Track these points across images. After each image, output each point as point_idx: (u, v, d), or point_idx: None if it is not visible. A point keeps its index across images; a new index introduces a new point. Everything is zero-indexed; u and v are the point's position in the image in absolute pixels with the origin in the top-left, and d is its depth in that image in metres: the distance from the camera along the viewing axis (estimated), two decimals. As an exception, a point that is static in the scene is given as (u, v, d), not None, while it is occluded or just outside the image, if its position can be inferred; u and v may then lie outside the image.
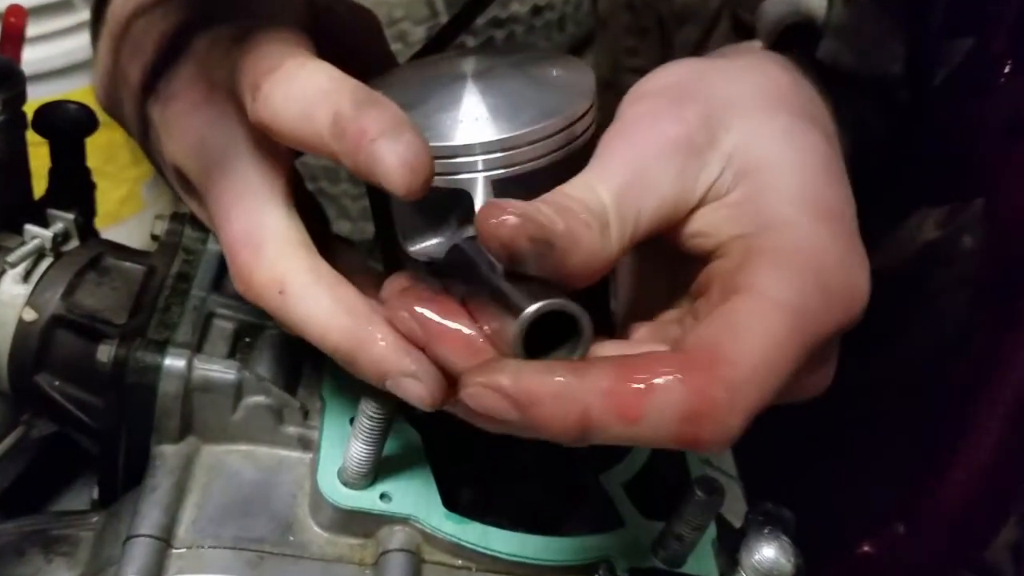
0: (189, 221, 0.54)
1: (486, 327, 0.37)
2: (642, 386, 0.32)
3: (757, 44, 0.48)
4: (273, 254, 0.40)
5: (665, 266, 0.43)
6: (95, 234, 0.56)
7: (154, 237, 0.54)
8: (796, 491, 0.44)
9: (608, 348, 0.38)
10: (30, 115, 0.52)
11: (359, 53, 0.46)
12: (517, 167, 0.40)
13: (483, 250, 0.37)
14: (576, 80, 0.43)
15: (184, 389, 0.46)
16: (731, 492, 0.57)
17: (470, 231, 0.41)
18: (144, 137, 0.48)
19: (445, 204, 0.41)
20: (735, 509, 0.47)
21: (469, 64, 0.43)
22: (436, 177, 0.38)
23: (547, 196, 0.37)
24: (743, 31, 0.62)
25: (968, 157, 0.49)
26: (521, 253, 0.35)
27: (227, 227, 0.41)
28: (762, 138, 0.39)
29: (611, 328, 0.44)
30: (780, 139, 0.39)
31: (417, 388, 0.39)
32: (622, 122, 0.41)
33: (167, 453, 0.47)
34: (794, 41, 0.55)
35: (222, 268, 0.53)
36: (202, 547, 0.44)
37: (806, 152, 0.39)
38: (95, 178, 0.58)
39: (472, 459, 0.52)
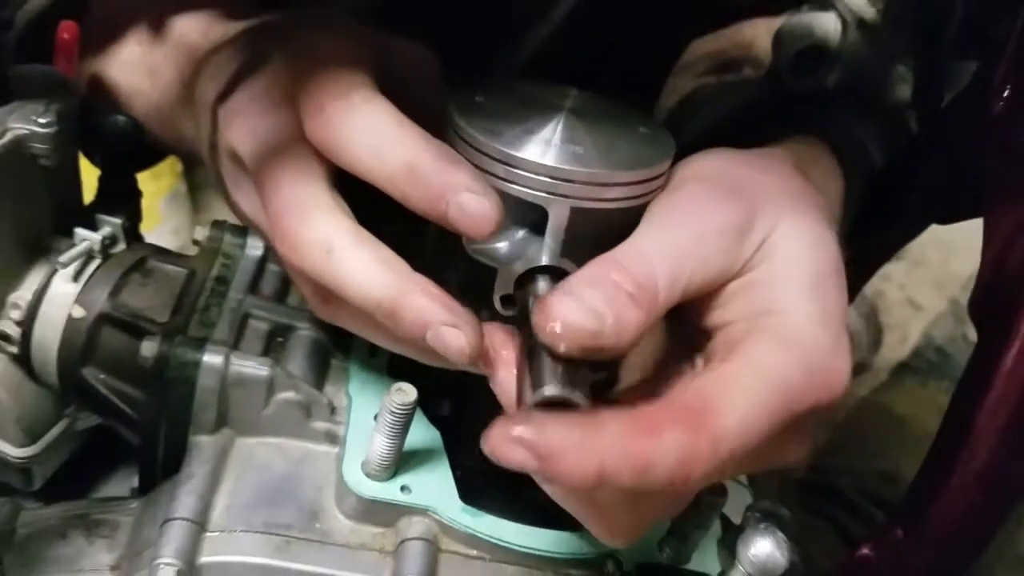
0: (228, 228, 0.58)
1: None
2: (649, 438, 0.35)
3: (775, 150, 0.51)
4: (319, 217, 0.42)
5: (668, 328, 0.46)
6: (140, 238, 0.59)
7: (195, 242, 0.58)
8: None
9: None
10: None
11: (415, 90, 0.49)
12: (599, 203, 0.43)
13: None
14: (660, 139, 0.46)
15: (221, 384, 0.49)
16: (738, 494, 0.59)
17: (534, 245, 0.44)
18: (209, 143, 0.51)
19: (518, 211, 0.43)
20: (741, 509, 0.49)
21: (563, 98, 0.46)
22: (520, 188, 0.42)
23: (603, 266, 0.39)
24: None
25: (971, 179, 0.50)
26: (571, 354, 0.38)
27: (275, 196, 0.43)
28: (787, 231, 0.42)
29: (614, 380, 0.47)
30: (801, 237, 0.43)
31: (457, 338, 0.41)
32: (678, 197, 0.43)
33: (203, 444, 0.50)
34: (808, 66, 0.58)
35: (258, 272, 0.56)
36: (234, 531, 0.46)
37: (820, 253, 0.43)
38: None
39: (486, 466, 0.54)
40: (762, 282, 0.42)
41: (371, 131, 0.42)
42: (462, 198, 0.40)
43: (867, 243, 0.45)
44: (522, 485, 0.55)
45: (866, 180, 0.57)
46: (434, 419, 0.52)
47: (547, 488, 0.42)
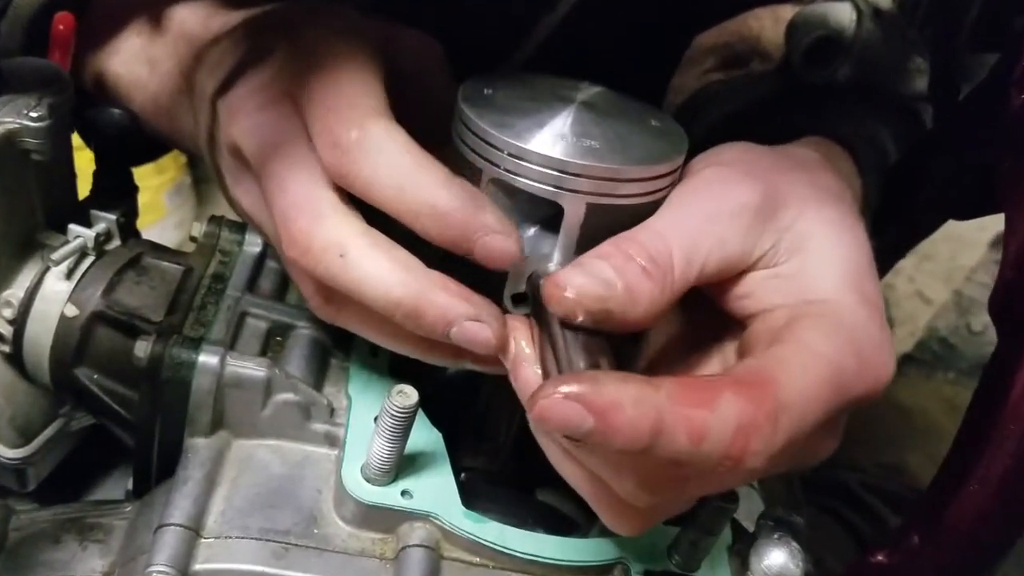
0: (226, 224, 0.56)
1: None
2: (706, 402, 0.34)
3: (799, 147, 0.50)
4: (331, 220, 0.41)
5: (691, 318, 0.45)
6: (136, 234, 0.58)
7: (193, 239, 0.56)
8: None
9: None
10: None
11: (421, 82, 0.48)
12: (614, 199, 0.42)
13: None
14: (673, 133, 0.45)
15: (217, 385, 0.47)
16: (751, 500, 0.58)
17: (547, 241, 0.43)
18: (207, 135, 0.50)
19: (529, 207, 0.43)
20: (754, 515, 0.47)
21: (574, 91, 0.45)
22: (536, 184, 0.41)
23: (615, 243, 0.40)
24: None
25: (989, 174, 0.49)
26: (582, 320, 0.38)
27: (282, 196, 0.42)
28: (816, 221, 0.42)
29: (636, 361, 0.46)
30: (832, 226, 0.42)
31: (482, 330, 0.41)
32: (695, 181, 0.43)
33: (199, 446, 0.49)
34: (821, 58, 0.56)
35: (256, 269, 0.55)
36: (230, 537, 0.45)
37: (853, 243, 0.42)
38: None
39: (493, 467, 0.53)
40: (797, 274, 0.41)
41: (394, 169, 0.41)
42: (487, 239, 0.41)
43: (882, 239, 0.44)
44: (527, 488, 0.55)
45: (881, 176, 0.56)
46: (437, 420, 0.50)
47: (564, 468, 0.41)
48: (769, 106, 0.58)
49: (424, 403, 0.45)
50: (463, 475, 0.53)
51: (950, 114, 0.55)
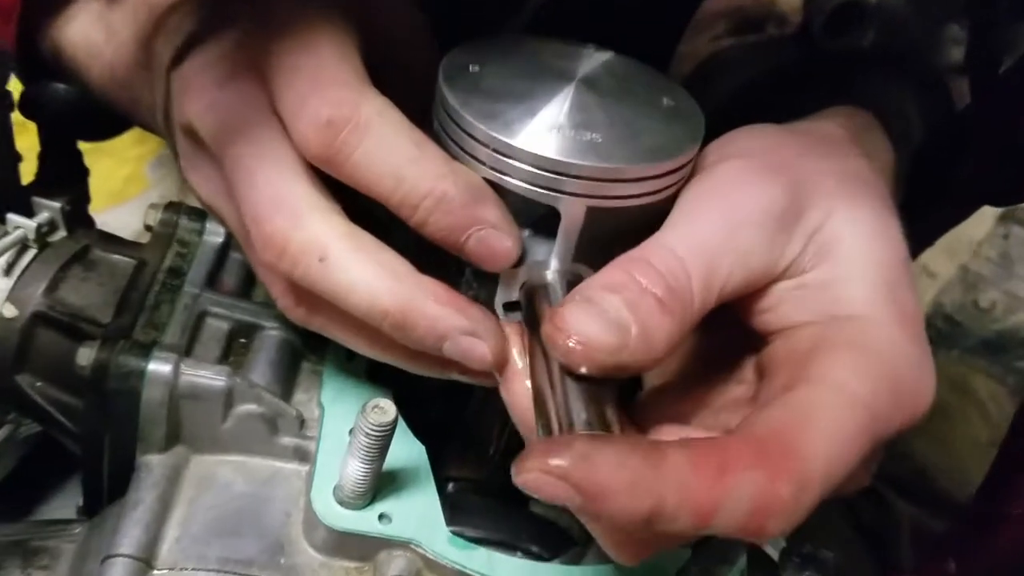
0: (185, 211, 0.51)
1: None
2: (718, 479, 0.30)
3: (825, 123, 0.45)
4: (311, 219, 0.37)
5: (703, 328, 0.40)
6: (89, 222, 0.53)
7: (147, 227, 0.51)
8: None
9: (666, 431, 0.37)
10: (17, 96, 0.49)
11: (400, 54, 0.44)
12: (619, 200, 0.37)
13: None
14: (687, 115, 0.40)
15: (170, 396, 0.43)
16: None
17: (543, 246, 0.38)
18: (163, 112, 0.45)
19: (522, 207, 0.38)
20: (775, 541, 0.43)
21: (574, 62, 0.40)
22: (528, 186, 0.37)
23: (625, 267, 0.34)
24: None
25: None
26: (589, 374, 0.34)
27: (251, 190, 0.38)
28: (846, 222, 0.37)
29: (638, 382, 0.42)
30: (864, 227, 0.37)
31: (478, 347, 0.37)
32: (710, 182, 0.38)
33: (153, 463, 0.44)
34: (843, 24, 0.51)
35: (218, 262, 0.50)
36: (185, 569, 0.41)
37: (888, 246, 0.38)
38: (99, 156, 0.54)
39: (482, 477, 0.50)
40: (826, 284, 0.36)
41: (390, 153, 0.37)
42: (485, 234, 0.37)
43: (909, 227, 0.39)
44: (519, 499, 0.50)
45: (909, 156, 0.51)
46: (420, 425, 0.46)
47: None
48: (787, 76, 0.53)
49: (407, 408, 0.41)
50: (450, 485, 0.50)
51: (989, 89, 0.50)
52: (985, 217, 1.59)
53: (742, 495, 0.30)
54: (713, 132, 0.40)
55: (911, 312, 0.36)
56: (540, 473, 0.29)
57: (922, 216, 0.51)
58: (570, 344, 0.33)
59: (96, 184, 0.59)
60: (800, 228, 0.37)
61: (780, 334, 0.37)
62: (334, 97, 0.37)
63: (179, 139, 0.43)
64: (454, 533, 0.43)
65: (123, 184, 1.39)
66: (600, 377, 0.34)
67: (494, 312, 0.39)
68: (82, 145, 0.60)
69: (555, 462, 0.29)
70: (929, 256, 1.64)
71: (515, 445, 0.44)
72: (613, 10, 0.57)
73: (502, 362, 0.37)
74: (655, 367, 0.35)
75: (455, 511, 0.44)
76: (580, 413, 0.33)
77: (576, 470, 0.29)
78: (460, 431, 0.50)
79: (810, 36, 0.53)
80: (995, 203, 0.52)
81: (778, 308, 0.37)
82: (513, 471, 0.31)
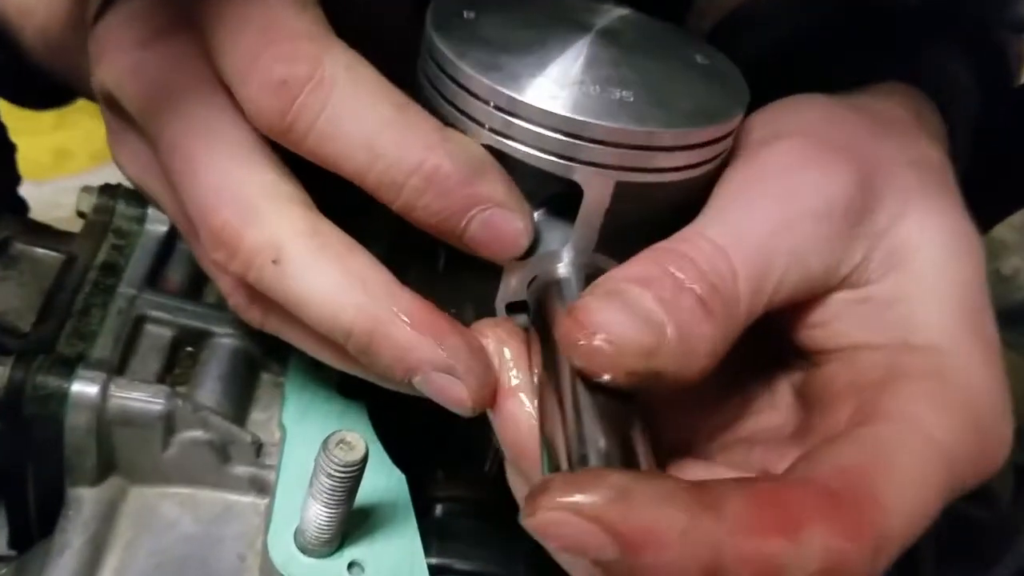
0: (123, 195, 0.44)
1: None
2: (785, 532, 0.24)
3: (887, 101, 0.39)
4: (266, 212, 0.31)
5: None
6: (17, 208, 0.46)
7: (80, 214, 0.44)
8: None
9: (689, 470, 0.31)
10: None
11: (370, 25, 0.36)
12: (654, 175, 0.30)
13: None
14: (727, 75, 0.33)
15: (98, 421, 0.37)
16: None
17: (556, 232, 0.32)
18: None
19: (532, 183, 0.31)
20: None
21: (591, 14, 0.33)
22: (540, 155, 0.30)
23: (656, 258, 0.28)
24: None
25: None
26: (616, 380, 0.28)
27: (196, 179, 0.32)
28: (922, 227, 0.32)
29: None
30: (942, 235, 0.32)
31: (454, 389, 0.30)
32: (759, 161, 0.32)
33: (83, 498, 0.38)
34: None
35: (162, 257, 0.43)
36: (120, 628, 0.34)
37: (968, 261, 0.32)
38: (81, 115, 0.47)
39: (475, 497, 0.45)
40: (895, 300, 0.31)
41: (361, 118, 0.30)
42: (489, 214, 0.31)
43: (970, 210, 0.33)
44: (515, 521, 0.44)
45: (970, 131, 0.44)
46: (403, 443, 0.40)
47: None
48: (827, 34, 0.45)
49: (384, 422, 0.36)
50: (438, 508, 0.45)
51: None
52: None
53: (812, 554, 0.24)
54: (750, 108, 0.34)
55: (993, 343, 0.31)
56: (563, 512, 0.23)
57: (981, 199, 0.44)
58: (595, 343, 0.26)
59: (78, 143, 0.53)
60: (867, 228, 0.31)
61: (836, 355, 0.31)
62: (290, 51, 0.30)
63: (101, 109, 0.36)
64: (440, 568, 0.38)
65: (106, 143, 1.33)
66: (625, 391, 0.27)
67: (494, 313, 0.33)
68: (20, 111, 0.54)
69: (584, 499, 0.23)
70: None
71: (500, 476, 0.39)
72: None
73: (485, 404, 0.31)
74: (692, 383, 0.28)
75: (443, 539, 0.40)
76: (598, 440, 0.27)
77: (613, 510, 0.23)
78: (448, 446, 0.45)
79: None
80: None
81: (835, 323, 0.31)
82: (524, 510, 0.24)
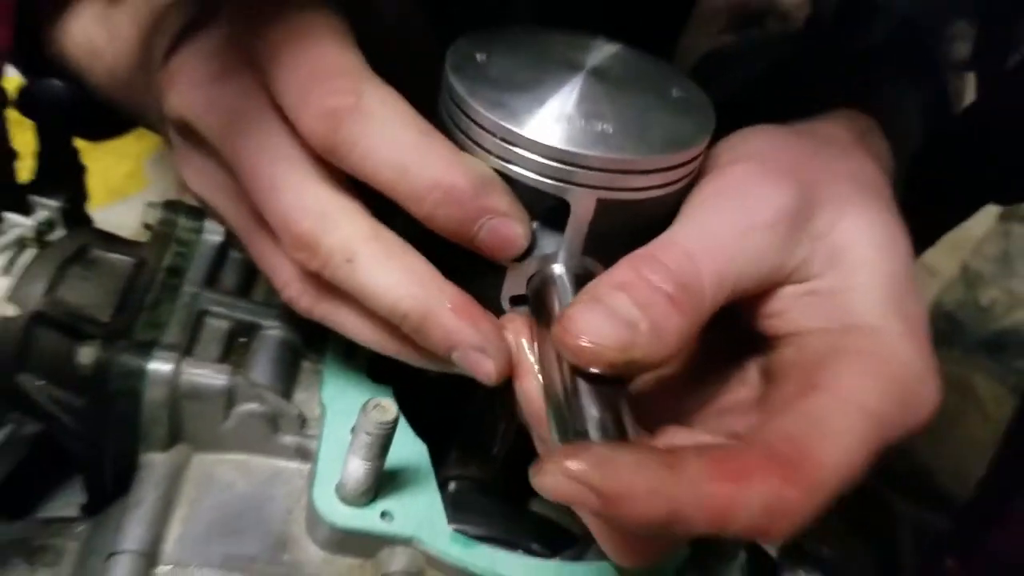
0: (184, 210, 0.51)
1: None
2: (734, 485, 0.31)
3: (832, 126, 0.46)
4: (339, 221, 0.37)
5: (707, 328, 0.40)
6: (86, 220, 0.53)
7: (146, 226, 0.51)
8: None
9: (671, 434, 0.37)
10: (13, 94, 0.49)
11: (395, 50, 0.43)
12: (631, 192, 0.37)
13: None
14: (697, 107, 0.40)
15: (171, 395, 0.42)
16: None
17: (551, 239, 0.38)
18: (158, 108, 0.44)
19: (530, 199, 0.38)
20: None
21: (583, 53, 0.40)
22: (537, 177, 0.36)
23: (634, 265, 0.35)
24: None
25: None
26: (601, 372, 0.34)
27: (277, 195, 0.38)
28: (856, 229, 0.38)
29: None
30: (873, 235, 0.38)
31: (484, 363, 0.37)
32: (722, 182, 0.38)
33: (155, 462, 0.44)
34: (853, 18, 0.50)
35: (217, 262, 0.50)
36: (189, 565, 0.41)
37: (897, 256, 0.38)
38: (99, 153, 0.54)
39: (484, 476, 0.49)
40: (835, 292, 0.37)
41: (395, 142, 0.36)
42: (496, 222, 0.37)
43: (910, 227, 0.39)
44: (521, 498, 0.50)
45: (908, 158, 0.51)
46: (421, 424, 0.45)
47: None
48: (790, 71, 0.53)
49: (407, 407, 0.41)
50: (452, 484, 0.49)
51: (996, 85, 0.49)
52: (986, 215, 1.59)
53: (755, 500, 0.31)
54: (716, 135, 0.40)
55: (918, 323, 0.37)
56: (561, 476, 0.30)
57: (922, 216, 0.51)
58: (581, 344, 0.33)
59: (95, 181, 0.59)
60: (810, 230, 0.37)
61: (788, 339, 0.37)
62: (336, 86, 0.36)
63: (171, 133, 0.43)
64: (456, 531, 0.42)
65: (122, 181, 1.39)
66: (612, 376, 0.34)
67: (500, 306, 0.39)
68: (81, 142, 0.60)
69: (575, 466, 0.30)
70: (931, 254, 1.63)
71: (517, 445, 0.45)
72: (615, 4, 0.57)
73: (504, 380, 0.37)
74: (666, 364, 0.35)
75: (456, 509, 0.44)
76: (592, 413, 0.34)
77: (596, 474, 0.29)
78: (462, 430, 0.50)
79: (815, 31, 0.53)
80: (1000, 201, 0.52)
81: (787, 313, 0.37)
82: (531, 473, 0.31)
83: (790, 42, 0.54)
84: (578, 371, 0.34)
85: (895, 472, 1.15)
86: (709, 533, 0.31)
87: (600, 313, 0.33)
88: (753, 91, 0.52)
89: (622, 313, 0.33)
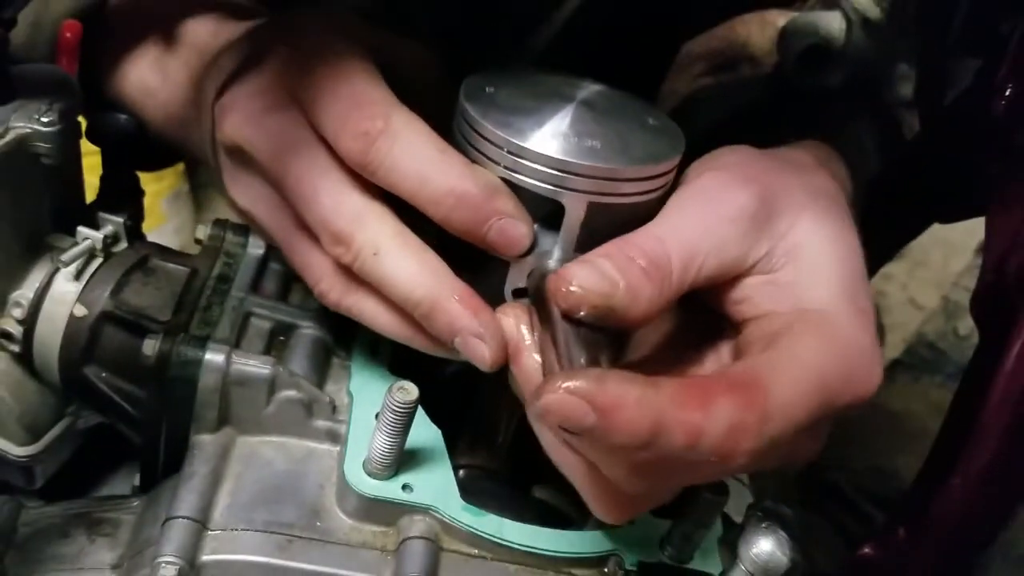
0: (230, 227, 0.58)
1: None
2: (703, 401, 0.36)
3: (797, 152, 0.52)
4: (369, 221, 0.44)
5: (688, 317, 0.47)
6: (142, 237, 0.59)
7: (197, 241, 0.58)
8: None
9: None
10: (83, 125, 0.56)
11: (412, 90, 0.49)
12: (615, 197, 0.43)
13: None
14: (670, 131, 0.47)
15: (222, 382, 0.49)
16: (742, 495, 0.59)
17: (548, 238, 0.45)
18: (211, 139, 0.51)
19: (531, 203, 0.44)
20: (742, 508, 0.49)
21: (575, 88, 0.47)
22: (537, 183, 0.43)
23: (616, 244, 0.41)
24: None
25: (973, 178, 0.50)
26: (585, 315, 0.40)
27: (319, 200, 0.45)
28: (811, 230, 0.44)
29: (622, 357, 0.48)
30: (826, 234, 0.44)
31: (481, 349, 0.43)
32: (693, 187, 0.45)
33: (205, 442, 0.50)
34: (812, 65, 0.57)
35: (260, 271, 0.56)
36: (235, 529, 0.46)
37: (847, 251, 0.44)
38: None
39: (490, 464, 0.55)
40: (793, 283, 0.43)
41: (417, 157, 0.43)
42: (503, 223, 0.43)
43: (868, 244, 0.45)
44: (524, 485, 0.56)
45: (866, 183, 0.58)
46: (436, 418, 0.51)
47: (557, 455, 0.43)
48: (760, 111, 0.60)
49: (423, 401, 0.46)
50: (461, 472, 0.54)
51: (936, 119, 0.56)
52: (967, 250, 1.66)
53: (720, 419, 0.36)
54: (694, 160, 0.47)
55: (865, 309, 0.43)
56: (563, 393, 0.35)
57: (879, 233, 0.57)
58: (571, 289, 0.39)
59: None
60: (770, 231, 0.43)
61: (753, 321, 0.43)
62: (369, 112, 0.43)
63: (222, 158, 0.50)
64: (467, 503, 0.48)
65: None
66: (596, 324, 0.40)
67: (504, 298, 0.46)
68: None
69: (573, 383, 0.35)
70: (916, 289, 1.70)
71: (521, 434, 0.50)
72: (607, 53, 0.64)
73: (498, 366, 0.43)
74: (641, 324, 0.41)
75: (465, 494, 0.49)
76: (580, 357, 0.40)
77: (592, 387, 0.35)
78: (470, 422, 0.55)
79: (781, 76, 0.60)
80: (943, 220, 0.58)
81: (751, 300, 0.43)
82: (531, 396, 0.37)
83: (761, 85, 0.61)
84: (567, 320, 0.40)
85: (880, 492, 1.20)
86: (685, 451, 0.36)
87: (587, 268, 0.40)
88: (726, 129, 0.59)
89: (605, 271, 0.40)
